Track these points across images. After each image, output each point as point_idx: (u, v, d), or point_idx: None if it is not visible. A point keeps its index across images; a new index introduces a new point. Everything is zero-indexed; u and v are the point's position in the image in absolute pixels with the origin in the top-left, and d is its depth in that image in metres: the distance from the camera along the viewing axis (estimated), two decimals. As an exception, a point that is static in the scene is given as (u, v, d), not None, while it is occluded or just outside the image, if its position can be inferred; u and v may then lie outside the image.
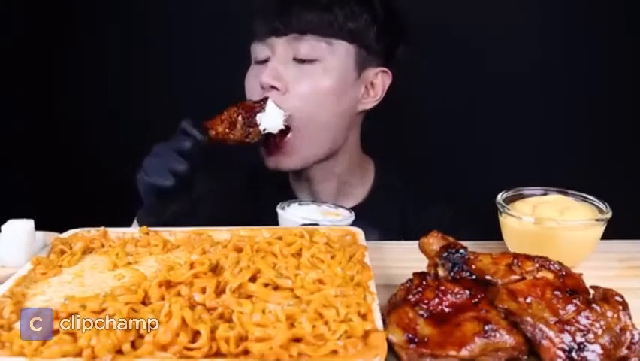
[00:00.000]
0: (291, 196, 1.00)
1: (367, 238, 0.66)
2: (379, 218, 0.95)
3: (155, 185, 0.74)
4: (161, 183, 0.74)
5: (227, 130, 0.78)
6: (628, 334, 0.47)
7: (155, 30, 1.38)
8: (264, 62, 0.88)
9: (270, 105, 0.81)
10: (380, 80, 0.93)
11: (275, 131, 0.82)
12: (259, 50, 0.88)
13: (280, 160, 0.89)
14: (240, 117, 0.79)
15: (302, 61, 0.86)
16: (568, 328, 0.47)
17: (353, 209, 0.98)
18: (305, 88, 0.86)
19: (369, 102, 0.94)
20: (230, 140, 0.79)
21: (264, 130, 0.81)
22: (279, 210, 0.76)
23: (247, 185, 1.03)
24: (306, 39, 0.85)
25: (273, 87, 0.85)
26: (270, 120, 0.81)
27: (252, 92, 0.89)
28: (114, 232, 0.70)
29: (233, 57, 1.07)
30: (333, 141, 0.91)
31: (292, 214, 0.74)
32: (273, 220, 0.76)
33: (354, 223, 0.71)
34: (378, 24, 0.88)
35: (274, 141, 0.87)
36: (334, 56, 0.86)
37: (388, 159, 1.04)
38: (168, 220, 0.73)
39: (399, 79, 0.96)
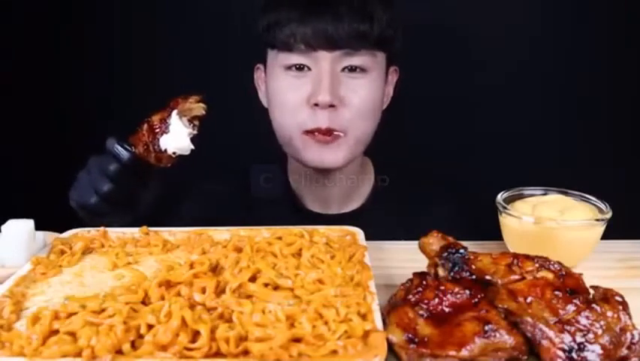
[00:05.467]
0: (291, 200, 0.99)
1: None
2: (382, 218, 0.95)
3: (78, 201, 0.73)
4: (84, 201, 0.73)
5: (144, 152, 0.72)
6: (628, 334, 0.47)
7: (159, 31, 1.38)
8: (300, 69, 0.85)
9: (173, 123, 0.72)
10: (391, 78, 0.95)
11: (186, 152, 0.73)
12: (294, 59, 0.85)
13: (326, 157, 0.87)
14: (150, 140, 0.71)
15: (352, 71, 0.85)
16: (568, 328, 0.47)
17: (357, 210, 0.99)
18: (358, 100, 0.85)
19: (386, 102, 0.96)
20: (152, 163, 0.73)
21: (174, 154, 0.72)
22: None
23: (241, 190, 1.02)
24: (358, 53, 0.84)
25: (331, 105, 0.83)
26: (176, 142, 0.72)
27: (293, 105, 0.86)
28: (114, 232, 0.70)
29: (237, 57, 1.07)
30: (367, 144, 0.93)
31: None
32: (272, 223, 0.75)
33: (358, 224, 0.71)
34: (402, 26, 0.89)
35: (321, 139, 0.85)
36: (377, 66, 0.87)
37: (390, 158, 1.04)
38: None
39: (400, 79, 0.96)
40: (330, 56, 0.83)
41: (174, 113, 0.72)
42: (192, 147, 0.73)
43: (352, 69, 0.85)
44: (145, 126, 0.73)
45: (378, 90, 0.88)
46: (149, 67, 1.39)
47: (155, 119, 0.73)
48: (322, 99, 0.82)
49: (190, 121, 0.74)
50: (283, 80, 0.87)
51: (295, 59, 0.85)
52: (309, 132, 0.85)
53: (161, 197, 0.80)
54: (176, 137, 0.72)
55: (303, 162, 0.90)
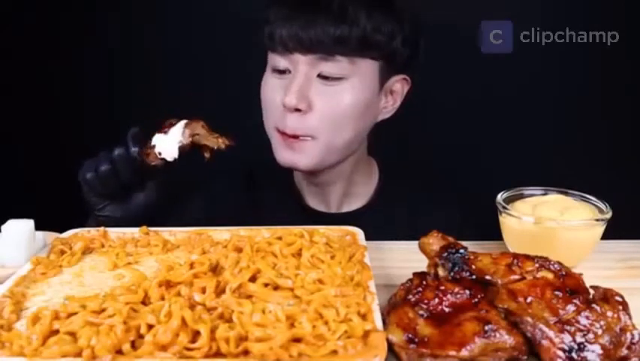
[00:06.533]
0: (294, 199, 1.00)
1: None
2: (384, 218, 0.95)
3: (81, 174, 0.77)
4: (83, 174, 0.76)
5: (145, 146, 0.75)
6: (628, 334, 0.47)
7: (161, 30, 1.38)
8: (283, 72, 0.85)
9: (174, 127, 0.75)
10: (400, 87, 0.92)
11: (169, 158, 0.75)
12: (278, 61, 0.85)
13: (296, 158, 0.87)
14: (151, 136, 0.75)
15: (326, 78, 0.83)
16: (568, 328, 0.47)
17: (359, 210, 0.99)
18: (329, 107, 0.84)
19: (389, 111, 0.93)
20: (143, 157, 0.75)
21: (160, 154, 0.74)
22: None
23: (244, 187, 1.03)
24: (333, 58, 0.82)
25: (297, 109, 0.83)
26: (165, 144, 0.74)
27: (271, 105, 0.87)
28: (114, 232, 0.70)
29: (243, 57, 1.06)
30: (351, 150, 0.92)
31: None
32: (273, 223, 0.76)
33: (360, 223, 0.71)
34: (403, 33, 0.86)
35: (292, 141, 0.86)
36: (359, 73, 0.84)
37: (390, 159, 1.04)
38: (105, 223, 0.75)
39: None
40: (304, 60, 0.83)
41: (182, 121, 0.75)
42: (176, 156, 0.75)
43: (327, 76, 0.83)
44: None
45: (359, 98, 0.85)
46: (151, 66, 1.39)
47: (170, 121, 0.76)
48: (288, 102, 0.82)
49: (191, 136, 0.76)
50: (269, 80, 0.88)
51: (277, 60, 0.85)
52: (280, 132, 0.86)
53: (153, 206, 0.81)
54: (169, 140, 0.75)
55: (278, 162, 0.90)
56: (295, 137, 0.85)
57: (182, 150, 0.75)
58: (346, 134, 0.87)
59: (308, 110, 0.83)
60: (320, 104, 0.84)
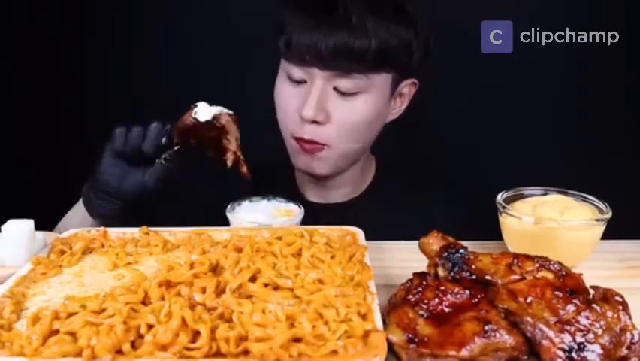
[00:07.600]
0: (294, 198, 1.00)
1: None
2: (385, 218, 0.95)
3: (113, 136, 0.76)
4: (114, 134, 0.76)
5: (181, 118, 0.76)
6: (628, 334, 0.47)
7: (161, 30, 1.38)
8: (299, 82, 0.87)
9: (200, 108, 0.76)
10: (408, 90, 0.94)
11: (202, 119, 0.76)
12: (294, 70, 0.86)
13: (313, 164, 0.90)
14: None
15: (341, 92, 0.85)
16: (568, 328, 0.47)
17: (359, 208, 0.99)
18: (344, 119, 0.86)
19: (397, 112, 0.95)
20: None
21: (195, 113, 0.75)
22: (227, 214, 0.75)
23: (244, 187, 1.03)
24: (349, 75, 0.83)
25: (315, 121, 0.85)
26: (204, 108, 0.75)
27: (287, 112, 0.88)
28: (114, 232, 0.70)
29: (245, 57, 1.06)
30: (360, 155, 0.95)
31: (240, 219, 0.74)
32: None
33: (357, 223, 0.71)
34: (418, 42, 0.87)
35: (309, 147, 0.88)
36: (374, 87, 0.86)
37: (390, 158, 1.05)
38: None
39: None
40: (321, 74, 0.84)
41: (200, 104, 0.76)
42: (209, 118, 0.75)
43: (343, 92, 0.85)
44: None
45: (372, 109, 0.87)
46: (151, 67, 1.39)
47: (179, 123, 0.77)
48: (305, 114, 0.84)
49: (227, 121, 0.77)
50: (285, 86, 0.89)
51: (293, 70, 0.86)
52: (297, 138, 0.88)
53: (153, 187, 0.80)
54: (208, 107, 0.75)
55: (296, 167, 0.93)
56: (312, 143, 0.87)
57: (216, 118, 0.75)
58: (359, 141, 0.90)
59: (325, 121, 0.85)
60: (337, 117, 0.86)
